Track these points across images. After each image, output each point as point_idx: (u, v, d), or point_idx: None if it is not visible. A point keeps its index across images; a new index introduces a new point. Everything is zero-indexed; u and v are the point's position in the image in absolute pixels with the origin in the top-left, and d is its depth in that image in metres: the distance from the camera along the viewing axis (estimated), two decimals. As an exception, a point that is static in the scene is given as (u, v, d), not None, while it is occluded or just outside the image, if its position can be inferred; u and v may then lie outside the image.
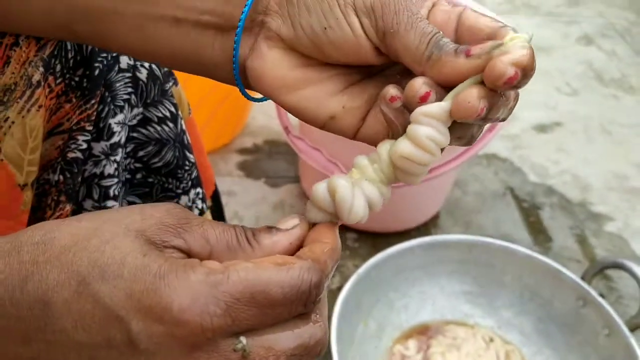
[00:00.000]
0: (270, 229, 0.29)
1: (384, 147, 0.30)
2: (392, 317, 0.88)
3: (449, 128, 0.29)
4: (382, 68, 0.33)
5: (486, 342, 0.88)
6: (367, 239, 1.05)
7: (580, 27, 1.77)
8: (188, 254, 0.27)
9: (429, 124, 0.29)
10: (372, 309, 0.86)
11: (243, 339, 0.26)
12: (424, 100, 0.29)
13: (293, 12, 0.32)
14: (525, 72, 0.27)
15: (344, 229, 1.08)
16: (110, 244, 0.26)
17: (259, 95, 0.36)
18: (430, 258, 0.89)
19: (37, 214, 0.48)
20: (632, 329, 0.81)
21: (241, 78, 0.34)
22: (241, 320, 0.25)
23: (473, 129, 0.31)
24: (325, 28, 0.31)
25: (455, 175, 1.11)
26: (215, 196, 0.67)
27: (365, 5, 0.30)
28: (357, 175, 0.30)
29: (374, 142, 0.33)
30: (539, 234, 1.12)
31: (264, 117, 1.29)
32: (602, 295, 0.83)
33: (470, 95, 0.28)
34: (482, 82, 0.28)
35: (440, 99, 0.29)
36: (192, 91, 0.65)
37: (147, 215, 0.27)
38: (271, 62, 0.32)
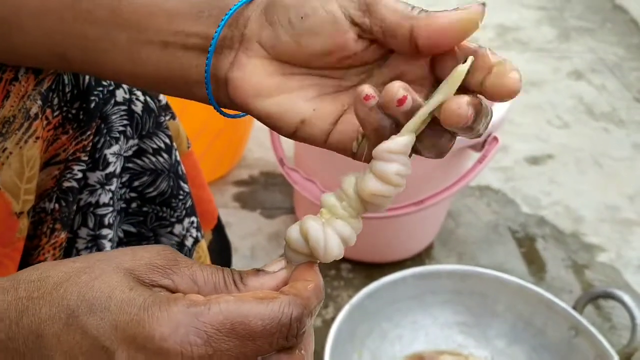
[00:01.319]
0: (257, 271, 0.30)
1: (348, 182, 0.31)
2: (386, 348, 0.89)
3: (421, 140, 0.30)
4: (357, 82, 0.34)
5: (480, 373, 0.89)
6: (361, 269, 1.05)
7: (571, 62, 1.81)
8: (175, 293, 0.29)
9: (396, 159, 0.30)
10: (365, 339, 0.87)
11: None
12: (401, 103, 0.29)
13: (271, 12, 0.33)
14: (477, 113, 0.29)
15: (339, 259, 1.08)
16: (99, 279, 0.28)
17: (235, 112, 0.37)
18: (423, 288, 0.90)
19: (33, 242, 0.49)
20: (625, 359, 0.81)
21: (223, 95, 0.35)
22: (222, 351, 0.26)
23: (443, 140, 0.31)
24: (302, 17, 0.31)
25: (448, 206, 1.13)
26: (220, 229, 0.68)
27: None
28: (327, 214, 0.31)
29: (344, 149, 0.34)
30: (532, 265, 1.13)
31: (260, 149, 1.31)
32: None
33: (460, 102, 0.28)
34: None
35: (416, 104, 0.30)
36: (187, 125, 0.66)
37: (138, 256, 0.29)
38: (249, 70, 0.34)
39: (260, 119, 0.34)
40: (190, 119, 0.73)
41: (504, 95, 0.29)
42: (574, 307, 0.87)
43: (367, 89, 0.30)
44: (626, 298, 0.81)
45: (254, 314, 0.27)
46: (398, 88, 0.29)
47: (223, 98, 0.35)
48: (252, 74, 0.33)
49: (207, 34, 0.34)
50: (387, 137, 0.31)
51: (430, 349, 0.91)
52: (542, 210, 1.26)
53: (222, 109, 0.37)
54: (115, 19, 0.35)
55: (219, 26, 0.34)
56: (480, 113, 0.29)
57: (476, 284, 0.90)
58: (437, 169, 0.93)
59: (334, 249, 0.30)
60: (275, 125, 0.34)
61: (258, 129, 1.33)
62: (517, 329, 0.90)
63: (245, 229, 1.11)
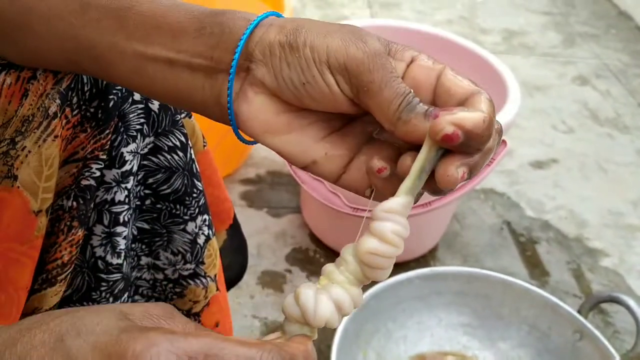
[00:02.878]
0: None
1: (347, 249, 0.32)
2: (391, 348, 0.89)
3: (426, 183, 0.31)
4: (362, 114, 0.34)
5: (484, 375, 0.89)
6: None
7: (576, 68, 1.81)
8: None
9: (393, 219, 0.30)
10: (371, 339, 0.87)
11: None
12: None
13: (275, 64, 0.32)
14: (470, 135, 0.28)
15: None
16: (94, 313, 0.29)
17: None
18: (429, 289, 0.91)
19: (50, 239, 0.49)
20: (628, 363, 0.81)
21: (228, 119, 0.35)
22: None
23: (444, 191, 0.32)
24: (304, 83, 0.32)
25: (453, 209, 1.14)
26: (236, 228, 0.68)
27: (339, 63, 0.31)
28: (325, 281, 0.32)
29: (356, 190, 0.34)
30: (536, 268, 1.14)
31: (267, 149, 1.31)
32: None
33: (448, 169, 0.29)
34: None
35: None
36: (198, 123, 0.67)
37: (138, 304, 0.30)
38: (257, 107, 0.34)
39: (274, 151, 0.35)
40: (198, 118, 0.73)
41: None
42: (579, 312, 0.87)
43: (377, 162, 0.32)
44: (631, 303, 0.81)
45: (231, 349, 0.27)
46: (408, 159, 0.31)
47: (227, 124, 0.36)
48: (260, 111, 0.34)
49: (211, 55, 0.34)
50: None
51: (435, 349, 0.91)
52: (546, 214, 1.27)
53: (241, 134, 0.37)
54: (122, 30, 0.35)
55: (235, 52, 0.33)
56: (475, 163, 0.30)
57: (482, 286, 0.91)
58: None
59: (325, 313, 0.30)
60: (288, 160, 0.35)
61: (265, 128, 1.33)
62: (521, 331, 0.90)
63: (251, 227, 1.12)
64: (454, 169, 0.29)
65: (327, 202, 0.95)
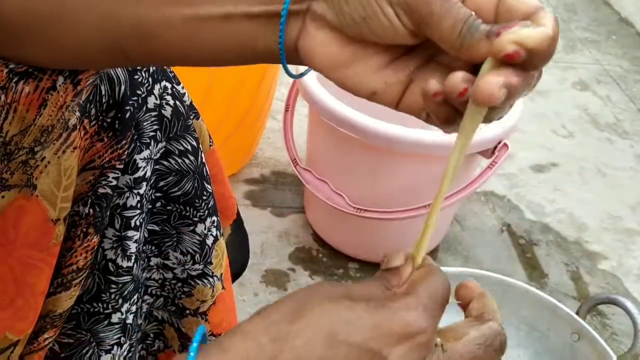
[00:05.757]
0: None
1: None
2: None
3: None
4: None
5: (483, 374, 0.91)
6: (368, 269, 1.08)
7: (577, 73, 1.83)
8: None
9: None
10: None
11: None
12: (462, 95, 0.30)
13: (335, 0, 0.33)
14: (533, 53, 0.28)
15: (347, 259, 1.11)
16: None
17: (300, 70, 0.38)
18: (430, 290, 0.92)
19: (66, 244, 0.49)
20: (625, 365, 0.83)
21: (292, 57, 0.35)
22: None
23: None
24: (365, 18, 0.32)
25: (454, 211, 1.15)
26: (239, 223, 0.69)
27: None
28: None
29: (414, 114, 0.34)
30: (535, 270, 1.16)
31: (271, 149, 1.33)
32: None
33: (489, 83, 0.28)
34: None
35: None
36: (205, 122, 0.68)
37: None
38: (320, 42, 0.34)
39: (335, 83, 0.35)
40: (205, 116, 0.75)
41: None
42: (577, 313, 0.89)
43: (433, 86, 0.31)
44: (629, 304, 0.83)
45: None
46: (460, 81, 0.30)
47: (291, 62, 0.36)
48: (323, 45, 0.34)
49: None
50: (452, 123, 0.32)
51: (435, 350, 0.93)
52: (546, 217, 1.28)
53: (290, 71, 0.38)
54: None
55: None
56: (516, 87, 0.29)
57: (482, 287, 0.92)
58: (446, 175, 0.95)
59: None
60: (348, 91, 0.35)
61: (270, 129, 1.35)
62: (520, 332, 0.92)
63: (255, 227, 1.14)
64: (495, 85, 0.28)
65: (331, 203, 0.97)
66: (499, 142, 0.92)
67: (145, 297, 0.60)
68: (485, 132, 0.90)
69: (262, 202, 1.21)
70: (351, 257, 1.10)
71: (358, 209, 0.96)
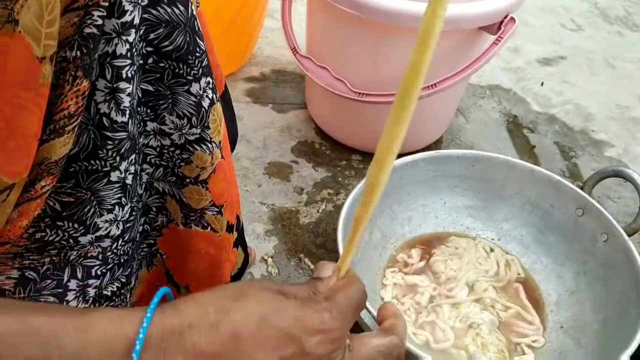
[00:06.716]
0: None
1: None
2: (396, 229, 0.91)
3: None
4: None
5: (487, 252, 0.91)
6: (371, 160, 1.06)
7: (587, -33, 1.76)
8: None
9: None
10: (376, 219, 0.89)
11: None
12: None
13: None
14: None
15: (350, 150, 1.10)
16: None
17: None
18: (433, 173, 0.91)
19: (56, 91, 0.50)
20: (631, 234, 0.83)
21: None
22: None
23: None
24: None
25: (458, 99, 1.13)
26: (226, 99, 0.68)
27: None
28: None
29: None
30: (541, 158, 1.14)
31: (271, 48, 1.30)
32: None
33: None
34: None
35: None
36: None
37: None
38: None
39: None
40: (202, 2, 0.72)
41: None
42: (582, 188, 0.88)
43: None
44: (635, 176, 0.82)
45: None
46: None
47: None
48: None
49: None
50: None
51: (439, 231, 0.93)
52: (553, 108, 1.26)
53: None
54: None
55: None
56: None
57: (486, 168, 0.91)
58: (450, 53, 0.92)
59: None
60: None
61: (268, 28, 1.31)
62: (524, 211, 0.92)
63: (257, 122, 1.12)
64: None
65: (332, 89, 0.95)
66: (506, 16, 0.88)
67: (145, 166, 0.60)
68: (490, 4, 0.87)
69: (263, 99, 1.19)
70: (354, 149, 1.09)
71: (359, 93, 0.94)
